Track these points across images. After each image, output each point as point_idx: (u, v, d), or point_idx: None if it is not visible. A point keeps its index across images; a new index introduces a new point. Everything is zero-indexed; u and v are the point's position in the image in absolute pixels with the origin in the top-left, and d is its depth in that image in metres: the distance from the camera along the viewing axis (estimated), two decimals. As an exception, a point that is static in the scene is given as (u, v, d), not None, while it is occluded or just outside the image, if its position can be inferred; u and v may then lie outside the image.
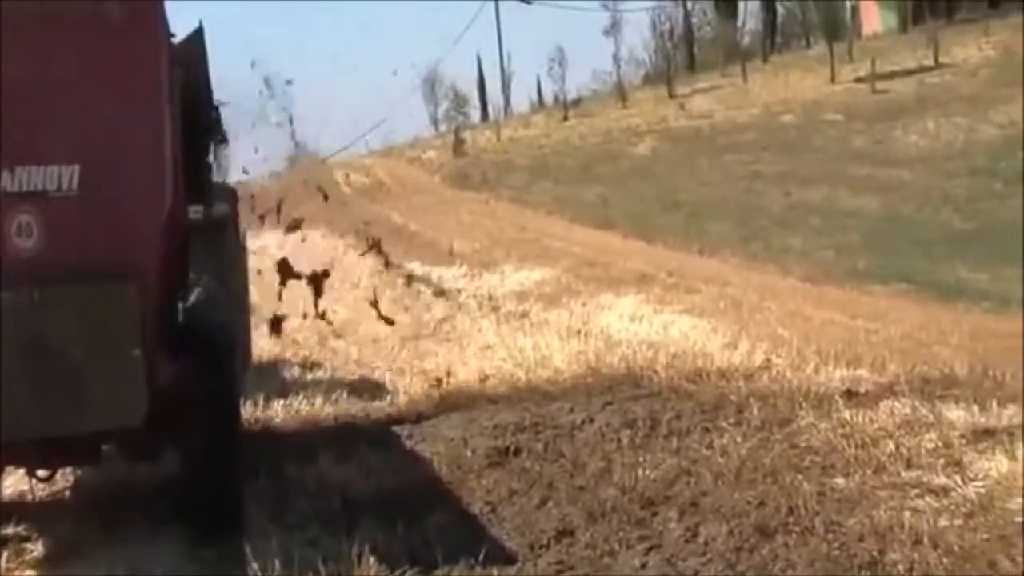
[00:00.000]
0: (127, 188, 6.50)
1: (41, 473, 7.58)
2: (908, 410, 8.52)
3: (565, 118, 51.46)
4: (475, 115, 70.31)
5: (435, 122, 70.39)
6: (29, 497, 8.04)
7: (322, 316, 13.18)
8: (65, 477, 8.34)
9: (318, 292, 12.72)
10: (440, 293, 17.66)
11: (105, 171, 6.43)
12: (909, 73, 39.03)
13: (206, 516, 7.10)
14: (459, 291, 17.79)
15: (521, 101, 70.15)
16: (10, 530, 7.50)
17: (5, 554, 7.01)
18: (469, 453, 8.53)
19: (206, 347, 7.12)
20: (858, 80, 40.37)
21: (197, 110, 8.14)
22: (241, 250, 11.52)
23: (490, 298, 16.54)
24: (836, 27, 48.76)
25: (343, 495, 7.61)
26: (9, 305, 6.14)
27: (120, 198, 6.47)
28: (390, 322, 13.96)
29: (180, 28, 7.74)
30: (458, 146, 47.09)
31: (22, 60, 6.32)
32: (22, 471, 7.77)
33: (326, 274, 13.02)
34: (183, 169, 7.48)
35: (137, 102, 6.61)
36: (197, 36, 8.15)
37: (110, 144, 6.47)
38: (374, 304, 14.09)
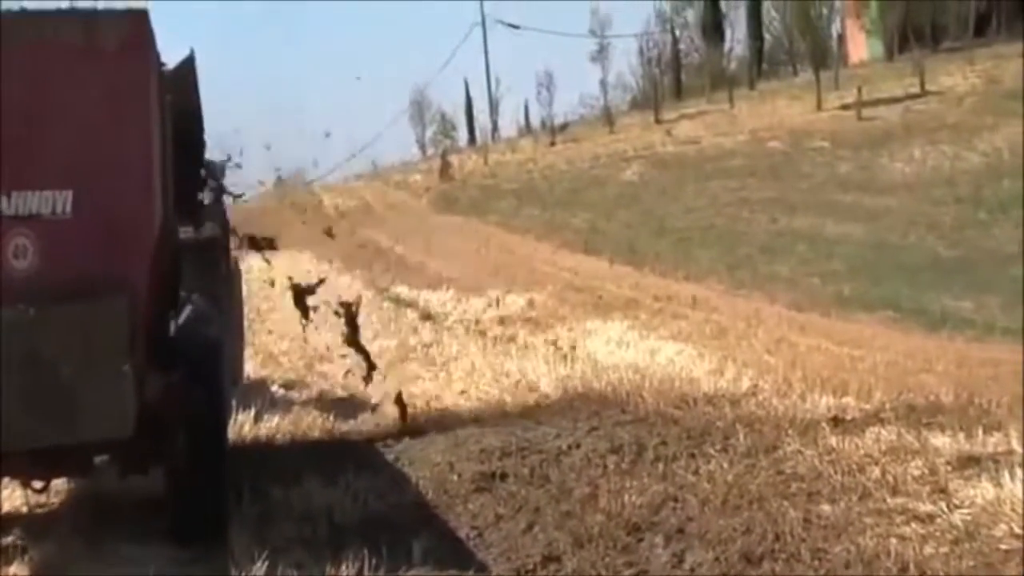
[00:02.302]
0: (118, 211, 6.78)
1: (36, 484, 7.84)
2: (894, 437, 8.55)
3: (552, 143, 51.48)
4: (462, 139, 70.40)
5: (422, 146, 70.44)
6: (25, 508, 8.28)
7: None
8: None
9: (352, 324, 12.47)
10: (427, 317, 17.68)
11: (97, 195, 6.72)
12: (895, 101, 39.16)
13: (190, 526, 7.36)
14: (446, 315, 17.79)
15: (508, 125, 70.20)
16: (9, 539, 7.71)
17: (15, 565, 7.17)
18: (455, 477, 8.53)
19: (193, 363, 7.41)
20: (844, 107, 40.48)
21: (188, 134, 8.31)
22: (233, 269, 11.65)
23: (477, 322, 16.55)
24: (823, 55, 48.92)
25: (329, 518, 7.59)
26: (6, 321, 6.42)
27: (112, 221, 6.75)
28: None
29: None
30: (445, 170, 47.07)
31: (17, 88, 6.58)
32: (17, 483, 8.01)
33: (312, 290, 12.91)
34: (174, 191, 7.65)
35: (129, 128, 6.89)
36: (188, 63, 8.31)
37: (102, 169, 6.76)
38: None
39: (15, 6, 6.84)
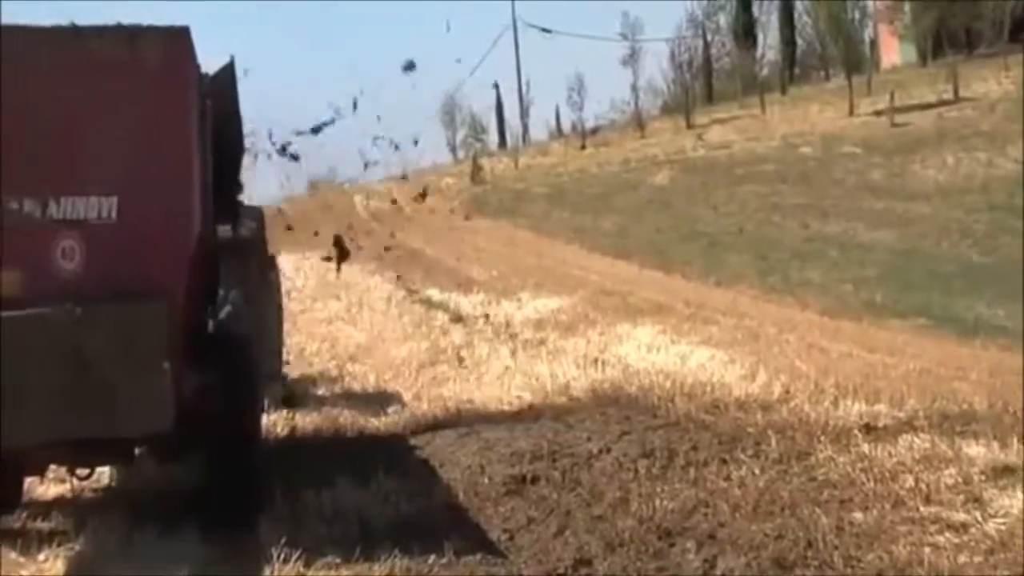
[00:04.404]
0: (159, 217, 7.26)
1: (80, 472, 8.31)
2: (927, 445, 8.51)
3: (583, 147, 51.49)
4: (493, 142, 70.41)
5: (453, 149, 70.49)
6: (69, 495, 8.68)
7: None
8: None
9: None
10: (458, 319, 17.67)
11: (140, 201, 7.20)
12: (928, 107, 39.01)
13: (221, 518, 7.62)
14: (476, 317, 17.79)
15: (539, 129, 70.18)
16: (49, 525, 8.08)
17: (45, 552, 7.38)
18: (486, 480, 8.54)
19: (229, 361, 7.85)
20: (877, 113, 40.34)
21: (228, 138, 8.72)
22: (270, 267, 11.88)
23: (507, 325, 16.54)
24: (855, 60, 48.74)
25: (360, 520, 7.61)
26: (53, 319, 6.87)
27: (153, 226, 7.23)
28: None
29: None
30: (476, 173, 47.12)
31: (66, 99, 7.12)
32: (63, 469, 8.47)
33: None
34: (213, 193, 8.05)
35: (170, 139, 7.37)
36: (228, 69, 8.76)
37: (145, 176, 7.24)
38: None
39: (65, 22, 7.29)
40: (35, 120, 7.12)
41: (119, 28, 7.31)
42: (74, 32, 7.25)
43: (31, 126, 7.10)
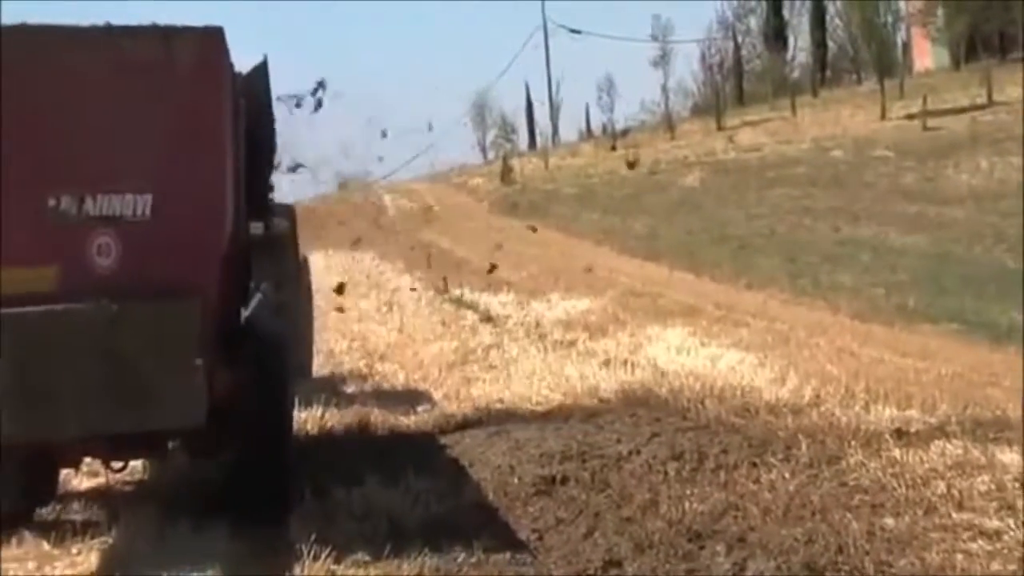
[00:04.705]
0: (193, 215, 7.39)
1: (115, 464, 8.42)
2: (960, 451, 8.45)
3: (613, 148, 51.48)
4: (523, 143, 70.48)
5: (483, 149, 70.64)
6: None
7: None
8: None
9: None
10: (487, 319, 17.67)
11: (174, 199, 7.33)
12: (961, 111, 38.79)
13: (251, 512, 7.69)
14: (506, 318, 17.79)
15: (569, 130, 70.29)
16: (84, 516, 8.20)
17: (77, 546, 7.46)
18: (516, 480, 8.54)
19: (260, 357, 7.98)
20: (909, 117, 40.17)
21: (260, 136, 8.87)
22: (301, 264, 11.98)
23: (537, 326, 16.53)
24: (887, 63, 48.51)
25: (390, 519, 7.63)
26: (89, 315, 7.03)
27: (186, 224, 7.35)
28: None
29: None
30: (506, 173, 47.18)
31: (102, 98, 7.26)
32: (97, 462, 8.59)
33: None
34: (246, 191, 8.19)
35: (204, 138, 7.51)
36: (262, 68, 8.91)
37: (179, 174, 7.38)
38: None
39: (100, 22, 7.41)
40: (72, 119, 7.26)
41: (154, 28, 7.45)
42: (109, 32, 7.38)
43: (68, 125, 7.25)
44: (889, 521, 7.14)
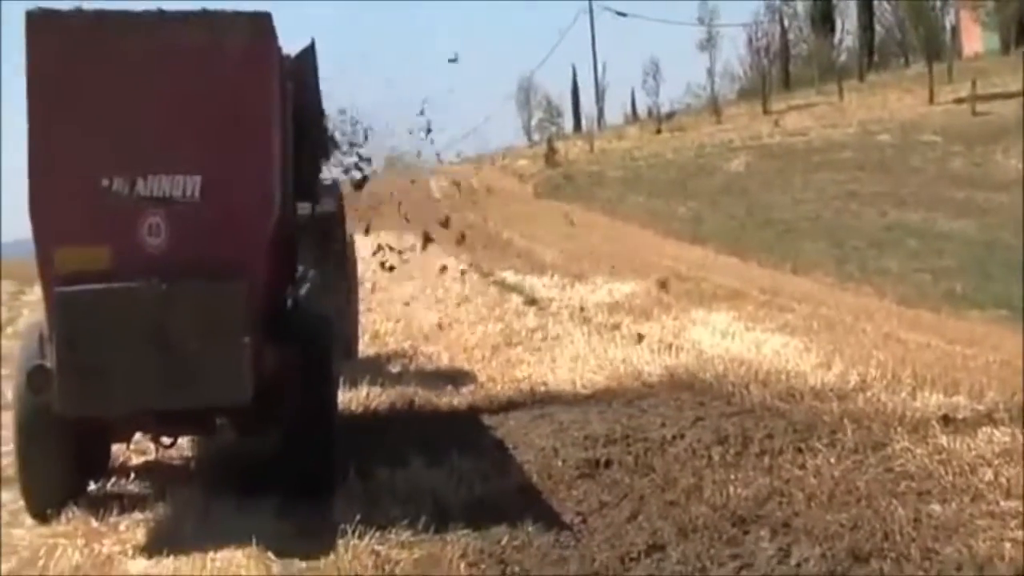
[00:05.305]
0: (240, 196, 7.56)
1: (164, 440, 8.65)
2: (1007, 439, 8.38)
3: (658, 131, 51.33)
4: (568, 125, 70.37)
5: (528, 131, 70.59)
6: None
7: None
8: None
9: None
10: (531, 302, 17.67)
11: (222, 181, 7.51)
12: (1011, 96, 38.33)
13: (297, 489, 7.87)
14: (550, 300, 17.78)
15: (614, 113, 70.14)
16: (134, 488, 8.45)
17: (125, 522, 7.58)
18: (560, 463, 8.55)
19: (307, 338, 8.16)
20: (958, 101, 39.77)
21: (307, 118, 9.05)
22: (347, 244, 12.04)
23: (581, 309, 16.52)
24: (936, 47, 48.05)
25: (434, 500, 7.66)
26: (140, 294, 7.22)
27: (234, 205, 7.53)
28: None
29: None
30: (551, 156, 47.13)
31: (153, 82, 7.48)
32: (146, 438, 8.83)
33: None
34: (293, 172, 8.37)
35: (252, 121, 7.66)
36: (309, 51, 9.11)
37: (227, 157, 7.55)
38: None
39: (152, 7, 7.65)
40: (124, 102, 7.46)
41: (203, 14, 7.64)
42: (161, 18, 7.58)
43: (121, 108, 7.46)
44: (936, 508, 7.10)
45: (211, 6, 7.72)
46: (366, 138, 11.90)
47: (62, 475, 7.91)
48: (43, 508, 7.80)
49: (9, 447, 8.41)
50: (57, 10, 7.46)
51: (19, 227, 8.36)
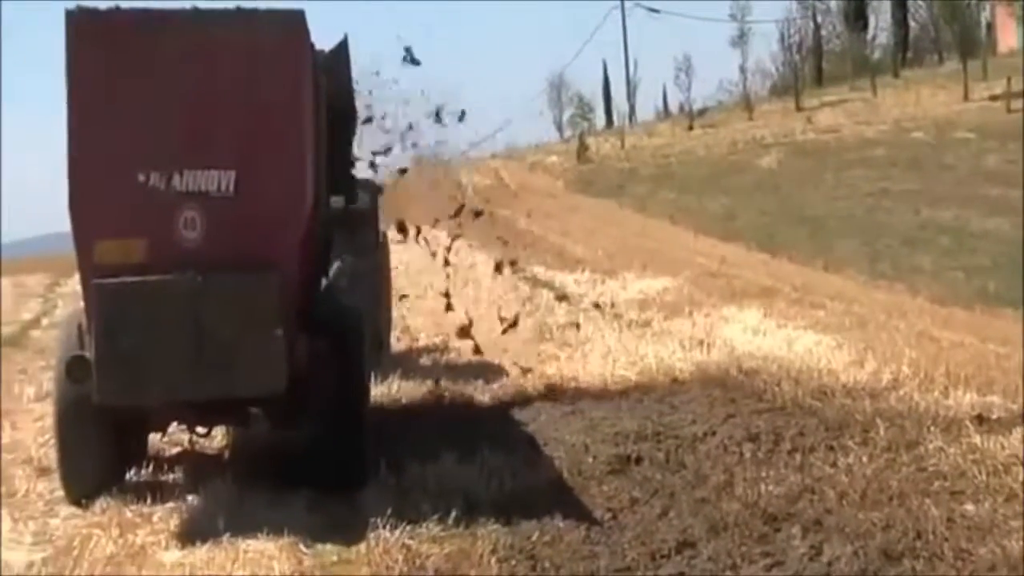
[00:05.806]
0: (274, 191, 7.72)
1: (200, 430, 8.85)
2: (1042, 439, 8.33)
3: (690, 128, 51.13)
4: (600, 122, 70.23)
5: (559, 127, 70.47)
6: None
7: None
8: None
9: None
10: (562, 298, 17.67)
11: (256, 176, 7.66)
12: (1047, 93, 38.00)
13: (328, 480, 7.98)
14: (581, 296, 17.78)
15: (646, 109, 69.88)
16: (167, 478, 8.59)
17: (159, 512, 7.66)
18: (590, 459, 8.57)
19: (339, 331, 8.29)
20: (993, 98, 39.44)
21: (341, 113, 9.17)
22: (381, 241, 12.09)
23: (612, 305, 16.50)
24: (970, 43, 47.68)
25: (465, 495, 7.68)
26: (176, 286, 7.39)
27: (268, 200, 7.68)
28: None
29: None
30: (582, 152, 47.01)
31: (189, 80, 7.65)
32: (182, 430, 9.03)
33: None
34: (327, 167, 8.49)
35: (285, 117, 7.80)
36: (342, 47, 9.22)
37: (261, 152, 7.70)
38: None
39: (188, 6, 7.82)
40: (161, 98, 7.62)
41: (238, 11, 7.78)
42: (196, 15, 7.78)
43: (157, 104, 7.62)
44: (969, 508, 7.07)
45: (245, 4, 7.84)
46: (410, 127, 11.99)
47: (101, 464, 8.06)
48: (82, 496, 7.95)
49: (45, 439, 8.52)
50: (96, 9, 7.60)
51: (55, 221, 8.54)
